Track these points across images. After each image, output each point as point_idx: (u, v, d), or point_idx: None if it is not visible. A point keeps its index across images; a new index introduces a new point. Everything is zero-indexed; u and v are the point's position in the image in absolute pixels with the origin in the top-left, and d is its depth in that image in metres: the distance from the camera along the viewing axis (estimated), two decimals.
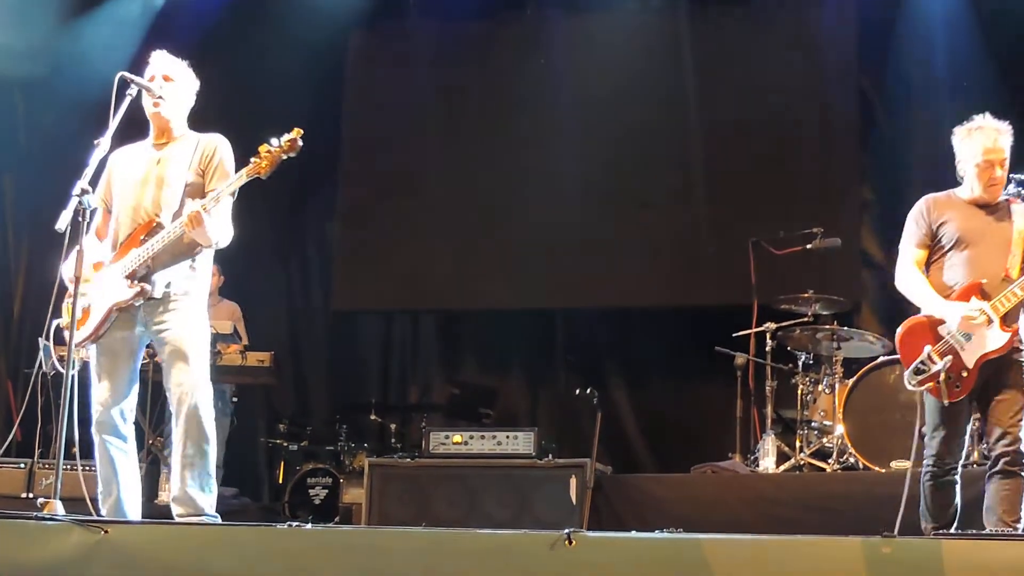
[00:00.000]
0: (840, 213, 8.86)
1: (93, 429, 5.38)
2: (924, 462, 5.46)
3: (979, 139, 5.47)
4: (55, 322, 5.44)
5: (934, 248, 5.57)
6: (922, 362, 5.35)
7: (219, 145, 5.54)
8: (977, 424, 6.19)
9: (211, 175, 5.46)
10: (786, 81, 9.31)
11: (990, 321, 5.29)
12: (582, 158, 9.51)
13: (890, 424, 7.20)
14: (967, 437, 5.59)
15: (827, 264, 8.32)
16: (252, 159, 5.30)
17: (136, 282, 5.29)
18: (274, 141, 5.32)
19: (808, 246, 8.04)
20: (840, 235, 8.14)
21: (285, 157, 5.32)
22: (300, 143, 5.33)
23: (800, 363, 8.03)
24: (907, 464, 6.83)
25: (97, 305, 5.35)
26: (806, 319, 7.99)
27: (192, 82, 5.67)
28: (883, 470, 7.10)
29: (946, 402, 5.33)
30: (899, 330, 5.55)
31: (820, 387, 7.83)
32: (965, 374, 5.33)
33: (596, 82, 9.60)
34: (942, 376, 5.29)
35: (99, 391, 5.38)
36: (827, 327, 7.78)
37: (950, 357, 5.31)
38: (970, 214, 5.53)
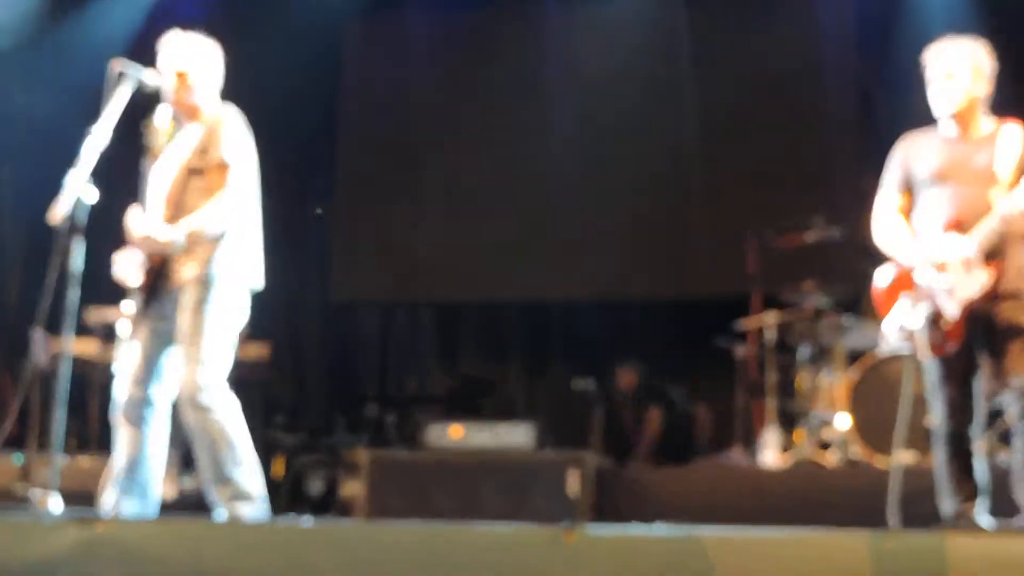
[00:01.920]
0: (839, 202, 8.82)
1: (118, 409, 5.23)
2: (933, 430, 5.09)
3: (939, 52, 5.06)
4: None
5: (913, 192, 5.11)
6: (900, 314, 4.94)
7: (219, 116, 5.30)
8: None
9: (209, 151, 5.22)
10: (785, 69, 9.30)
11: (969, 261, 4.80)
12: (580, 148, 9.52)
13: (895, 416, 7.14)
14: (977, 396, 5.03)
15: (827, 254, 8.29)
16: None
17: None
18: None
19: (807, 236, 8.00)
20: (839, 224, 8.10)
21: None
22: None
23: (801, 354, 8.00)
24: (912, 457, 6.88)
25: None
26: (807, 310, 7.96)
27: (212, 55, 5.42)
28: (887, 463, 7.06)
29: (923, 357, 4.91)
30: (874, 282, 5.13)
31: (822, 378, 7.80)
32: (946, 325, 4.85)
33: (594, 72, 9.61)
34: (920, 329, 4.86)
35: (126, 377, 5.24)
36: (828, 317, 7.74)
37: (927, 306, 4.87)
38: (946, 148, 5.04)
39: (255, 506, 5.16)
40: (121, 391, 5.25)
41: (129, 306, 5.32)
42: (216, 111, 5.33)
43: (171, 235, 5.10)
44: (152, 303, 5.24)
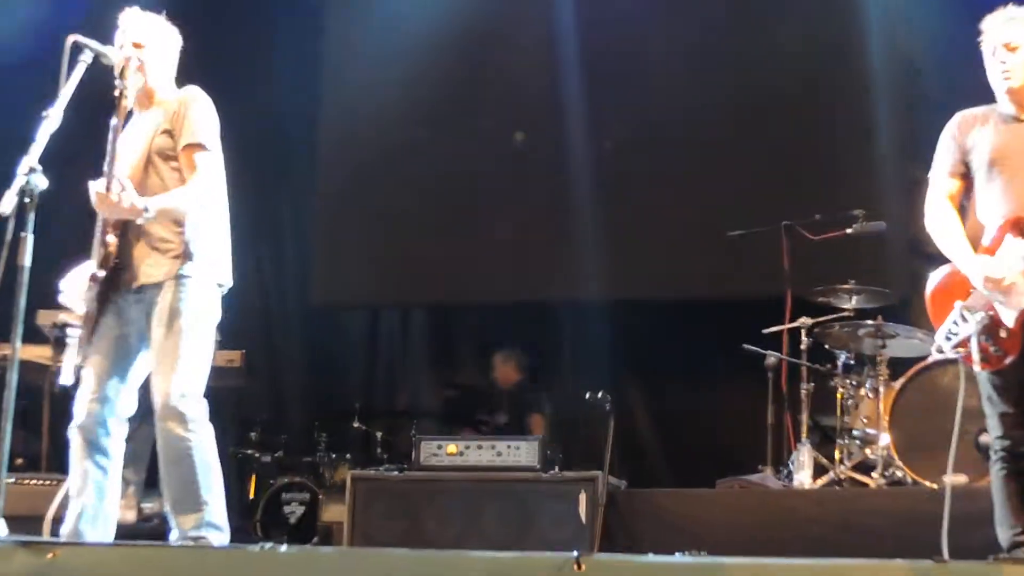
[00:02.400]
0: (885, 192, 8.85)
1: (73, 432, 5.28)
2: (991, 448, 5.09)
3: (989, 25, 5.10)
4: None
5: (969, 177, 5.13)
6: (953, 322, 4.94)
7: (187, 96, 5.43)
8: None
9: (179, 132, 5.33)
10: (824, 44, 9.31)
11: None
12: (591, 134, 9.52)
13: (943, 433, 7.13)
14: None
15: (870, 251, 8.32)
16: None
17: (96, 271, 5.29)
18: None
19: (849, 230, 8.01)
20: (885, 218, 8.12)
21: None
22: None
23: (840, 363, 8.02)
24: (963, 478, 6.89)
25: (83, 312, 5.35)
26: (846, 313, 7.98)
27: (170, 38, 5.58)
28: (934, 485, 7.08)
29: (978, 369, 4.91)
30: (928, 285, 5.15)
31: (863, 391, 7.82)
32: (1004, 334, 4.86)
33: (607, 49, 9.61)
34: (975, 338, 4.86)
35: (85, 393, 5.29)
36: (871, 322, 7.76)
37: (984, 314, 4.87)
38: (1006, 131, 5.06)
39: (223, 538, 5.22)
40: (79, 409, 5.31)
41: (80, 323, 5.36)
42: (181, 93, 5.44)
43: (141, 203, 5.13)
44: (108, 311, 5.30)
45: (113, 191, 5.12)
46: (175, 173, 5.32)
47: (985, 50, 5.14)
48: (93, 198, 5.18)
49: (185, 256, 5.29)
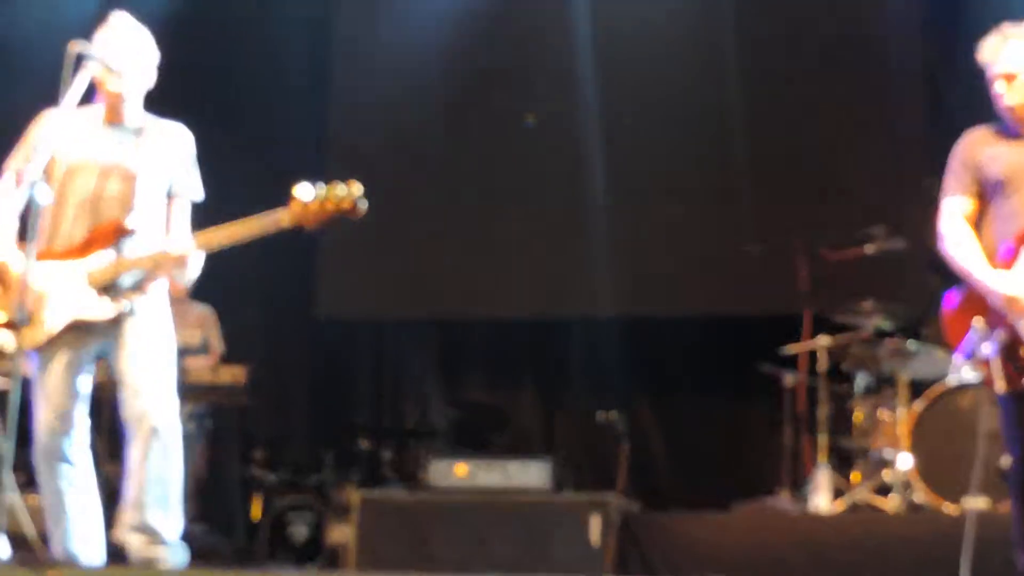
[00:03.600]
0: (905, 209, 8.83)
1: (37, 456, 5.35)
2: (1010, 472, 5.03)
3: (991, 46, 5.19)
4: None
5: (982, 196, 5.14)
6: (972, 341, 4.94)
7: (189, 139, 5.55)
8: None
9: (183, 175, 5.47)
10: (841, 58, 9.32)
11: None
12: (604, 145, 9.53)
13: (965, 456, 7.12)
14: None
15: (889, 269, 8.30)
16: (292, 204, 5.42)
17: (112, 297, 5.26)
18: (326, 189, 5.41)
19: (867, 248, 8.01)
20: (904, 235, 8.11)
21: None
22: (363, 207, 5.41)
23: (858, 384, 8.01)
24: (984, 502, 6.88)
25: (50, 313, 5.30)
26: (865, 333, 7.97)
27: (153, 57, 5.60)
28: (956, 509, 7.07)
29: (999, 391, 4.89)
30: (944, 304, 5.16)
31: (882, 412, 7.81)
32: None
33: (621, 59, 9.62)
34: (994, 358, 4.86)
35: (43, 411, 5.32)
36: (890, 342, 7.75)
37: (1003, 332, 4.88)
38: (1011, 150, 5.11)
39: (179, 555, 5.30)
40: (39, 433, 5.34)
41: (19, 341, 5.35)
42: (177, 129, 5.55)
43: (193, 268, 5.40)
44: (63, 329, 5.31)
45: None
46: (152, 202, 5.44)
47: (987, 68, 5.21)
48: (169, 253, 5.30)
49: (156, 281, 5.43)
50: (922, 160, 9.00)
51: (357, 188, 5.31)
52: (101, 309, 5.24)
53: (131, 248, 5.31)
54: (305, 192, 5.22)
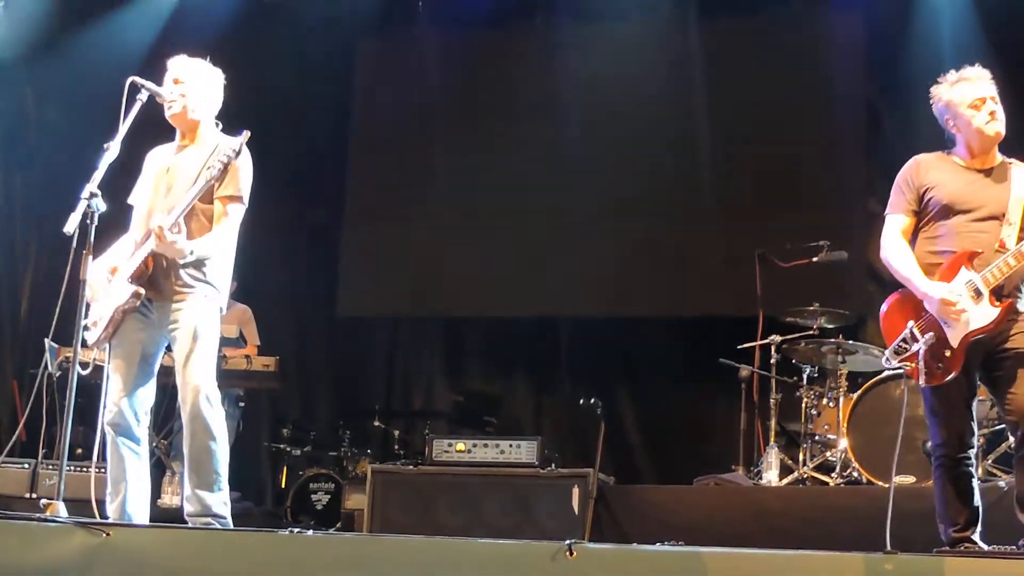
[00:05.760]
0: (847, 225, 8.85)
1: (106, 428, 5.38)
2: (932, 454, 5.11)
3: (968, 85, 5.12)
4: (82, 323, 5.43)
5: (921, 215, 5.13)
6: (903, 340, 4.95)
7: (243, 156, 5.46)
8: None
9: (224, 180, 5.40)
10: (794, 92, 9.31)
11: (979, 295, 4.86)
12: (588, 166, 9.53)
13: (894, 438, 7.12)
14: (974, 422, 5.08)
15: (833, 277, 8.31)
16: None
17: (132, 284, 5.30)
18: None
19: (815, 259, 8.01)
20: (847, 248, 8.12)
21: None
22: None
23: (805, 376, 8.02)
24: (910, 479, 6.90)
25: (105, 309, 5.37)
26: (811, 332, 7.98)
27: (213, 79, 5.63)
28: (886, 484, 7.06)
29: (923, 384, 4.91)
30: (883, 307, 5.15)
31: (824, 400, 7.82)
32: (948, 353, 4.87)
33: (603, 91, 9.62)
34: (922, 355, 4.85)
35: (113, 391, 5.38)
36: (832, 340, 7.76)
37: (932, 334, 4.87)
38: (961, 177, 5.09)
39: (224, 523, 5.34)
40: (109, 407, 5.39)
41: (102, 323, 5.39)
42: (232, 142, 5.45)
43: (188, 248, 5.26)
44: (132, 317, 5.37)
45: (171, 232, 5.19)
46: (206, 211, 5.42)
47: (963, 96, 5.11)
48: (153, 232, 5.22)
49: (209, 280, 5.42)
50: (863, 184, 9.04)
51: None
52: (125, 295, 5.28)
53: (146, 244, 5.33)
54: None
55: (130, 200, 5.59)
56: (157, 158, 5.64)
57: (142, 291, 5.29)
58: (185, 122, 5.56)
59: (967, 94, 5.11)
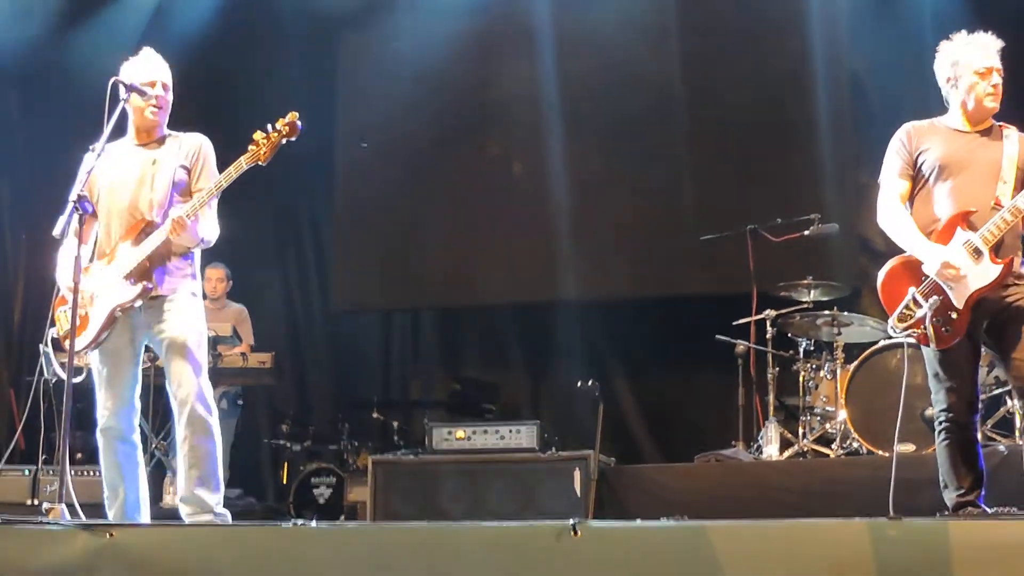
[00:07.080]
0: (837, 198, 8.83)
1: (99, 434, 5.39)
2: (936, 419, 5.11)
3: (979, 50, 5.14)
4: (51, 330, 5.44)
5: (916, 179, 5.17)
6: (906, 306, 4.92)
7: (203, 144, 5.56)
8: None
9: (197, 174, 5.48)
10: (778, 66, 9.27)
11: (979, 254, 4.89)
12: (576, 150, 9.51)
13: (893, 408, 7.13)
14: (978, 386, 5.13)
15: (825, 250, 8.32)
16: (249, 147, 5.30)
17: (137, 281, 5.28)
18: (270, 126, 5.31)
19: (806, 232, 8.01)
20: (837, 220, 8.12)
21: (284, 141, 5.31)
22: (299, 125, 5.32)
23: (801, 350, 8.02)
24: (911, 447, 6.91)
25: (97, 309, 5.34)
26: (806, 305, 7.99)
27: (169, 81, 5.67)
28: (886, 454, 7.08)
29: (934, 348, 4.93)
30: (880, 274, 5.13)
31: (821, 373, 7.83)
32: (955, 315, 4.88)
33: (587, 73, 9.60)
34: (928, 320, 4.85)
35: (103, 397, 5.38)
36: (827, 313, 7.76)
37: (936, 298, 4.88)
38: (954, 140, 5.14)
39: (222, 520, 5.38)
40: (100, 413, 5.42)
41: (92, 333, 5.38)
42: (195, 138, 5.56)
43: (199, 235, 5.38)
44: (117, 319, 5.35)
45: (186, 220, 5.25)
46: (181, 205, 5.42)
47: (969, 61, 5.13)
48: (173, 220, 5.24)
49: (191, 276, 5.48)
50: (849, 158, 9.02)
51: (293, 115, 5.34)
52: (131, 292, 5.27)
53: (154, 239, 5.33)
54: (257, 135, 5.21)
55: (82, 193, 5.26)
56: (117, 158, 5.54)
57: (151, 286, 5.29)
58: (153, 123, 5.55)
59: (976, 59, 5.13)
